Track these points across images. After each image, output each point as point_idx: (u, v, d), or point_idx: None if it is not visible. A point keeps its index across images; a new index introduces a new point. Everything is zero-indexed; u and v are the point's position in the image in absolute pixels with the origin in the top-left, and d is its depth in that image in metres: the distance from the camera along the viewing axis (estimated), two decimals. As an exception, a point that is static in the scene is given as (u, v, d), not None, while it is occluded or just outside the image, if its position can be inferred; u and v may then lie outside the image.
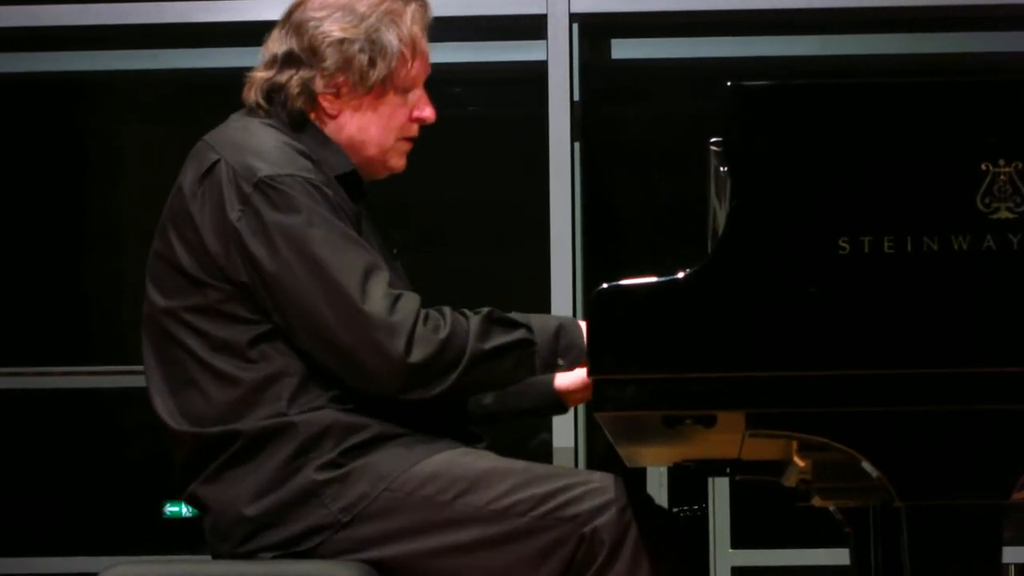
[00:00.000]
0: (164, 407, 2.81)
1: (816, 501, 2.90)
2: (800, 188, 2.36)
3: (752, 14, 5.18)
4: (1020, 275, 2.33)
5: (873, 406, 2.32)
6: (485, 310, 2.76)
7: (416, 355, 2.67)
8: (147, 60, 5.54)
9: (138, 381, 5.30)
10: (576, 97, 5.14)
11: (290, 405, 2.72)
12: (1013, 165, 2.34)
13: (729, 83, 2.39)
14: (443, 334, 2.68)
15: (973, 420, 2.32)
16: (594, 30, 5.36)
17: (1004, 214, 2.33)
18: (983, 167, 2.34)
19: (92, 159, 5.87)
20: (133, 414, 5.82)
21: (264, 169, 2.74)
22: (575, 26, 5.18)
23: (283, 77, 2.88)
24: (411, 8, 2.92)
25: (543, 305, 4.94)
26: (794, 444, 2.53)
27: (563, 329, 2.78)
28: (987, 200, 2.33)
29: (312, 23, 2.87)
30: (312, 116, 2.90)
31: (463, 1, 4.99)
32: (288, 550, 2.72)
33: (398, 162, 2.98)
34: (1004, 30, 5.33)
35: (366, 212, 2.92)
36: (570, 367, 2.81)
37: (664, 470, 4.49)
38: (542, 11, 5.05)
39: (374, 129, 2.92)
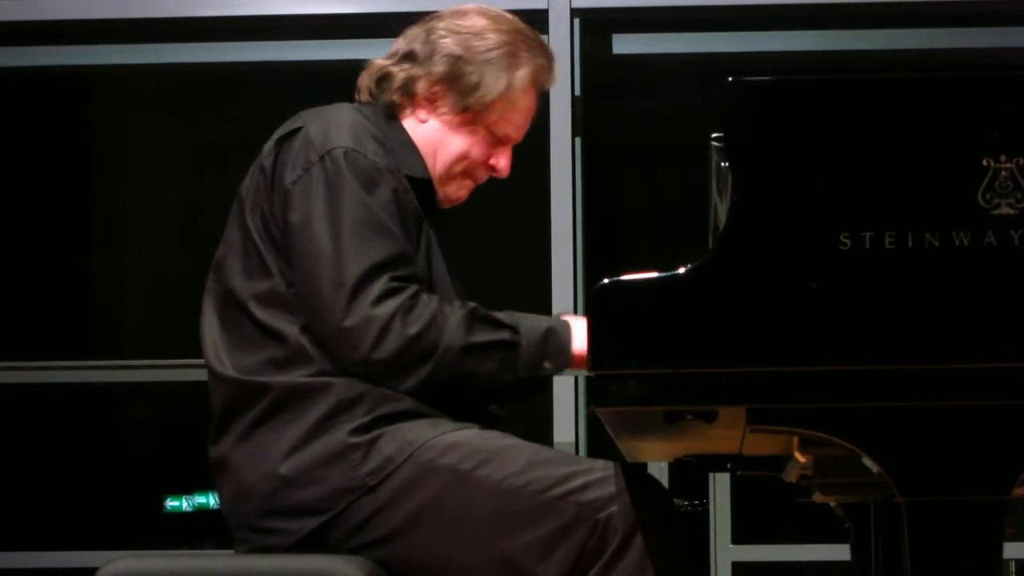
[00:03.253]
0: (214, 353, 2.87)
1: (817, 497, 2.90)
2: (801, 183, 2.36)
3: (753, 9, 5.18)
4: (1021, 271, 2.33)
5: (874, 402, 2.32)
6: (470, 306, 2.79)
7: (382, 351, 2.72)
8: (149, 54, 5.54)
9: (139, 376, 5.35)
10: (577, 92, 5.14)
11: (328, 368, 2.77)
12: (1014, 161, 2.34)
13: (730, 78, 2.39)
14: (414, 330, 2.72)
15: (974, 416, 2.32)
16: (595, 25, 5.36)
17: (1005, 210, 2.33)
18: (984, 163, 2.34)
19: (94, 154, 5.88)
20: (134, 409, 5.83)
21: (336, 143, 2.83)
22: (576, 21, 5.18)
23: (395, 69, 2.99)
24: (534, 63, 3.01)
25: (544, 300, 4.94)
26: (795, 440, 2.53)
27: (551, 332, 2.81)
28: (988, 196, 2.33)
29: (440, 34, 2.99)
30: (403, 115, 2.99)
31: (465, -4, 4.99)
32: (313, 514, 2.74)
33: (456, 193, 3.04)
34: (1005, 25, 5.34)
35: (432, 230, 2.96)
36: (556, 371, 2.84)
37: (665, 465, 4.50)
38: (543, 6, 5.06)
39: (449, 149, 2.99)
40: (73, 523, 5.58)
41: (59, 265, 5.74)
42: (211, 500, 5.56)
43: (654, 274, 2.35)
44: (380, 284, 2.74)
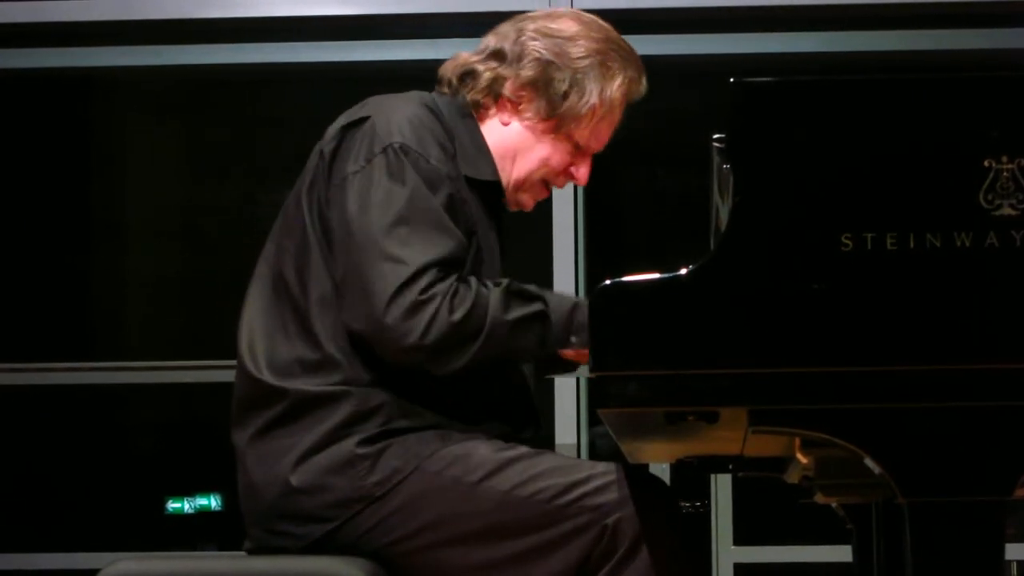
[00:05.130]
0: (248, 344, 2.85)
1: (819, 498, 2.90)
2: (803, 185, 2.36)
3: (754, 10, 5.18)
4: (1022, 272, 2.33)
5: (876, 403, 2.32)
6: (504, 282, 2.77)
7: (430, 336, 2.68)
8: (150, 56, 5.55)
9: (141, 377, 5.35)
10: (579, 93, 5.13)
11: (349, 375, 2.76)
12: (1016, 162, 2.34)
13: (732, 79, 2.39)
14: (459, 314, 2.69)
15: (976, 417, 2.32)
16: (597, 26, 5.35)
17: (1007, 211, 2.33)
18: (986, 164, 2.34)
19: (95, 155, 5.88)
20: (136, 410, 5.83)
21: (400, 138, 2.79)
22: (578, 22, 5.17)
23: (481, 66, 2.94)
24: (625, 75, 2.95)
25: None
26: (796, 441, 2.53)
27: (577, 308, 2.78)
28: (990, 197, 2.33)
29: (530, 35, 2.93)
30: (486, 114, 2.95)
31: (465, -3, 4.99)
32: (321, 521, 2.74)
33: (529, 201, 3.02)
34: (1007, 26, 5.34)
35: (495, 230, 2.93)
36: (581, 346, 2.80)
37: (667, 467, 4.50)
38: (544, 7, 5.05)
39: (531, 156, 2.95)
40: (74, 524, 5.58)
41: (60, 267, 5.74)
42: (212, 502, 5.56)
43: (655, 275, 2.35)
44: (429, 276, 2.70)
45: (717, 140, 2.76)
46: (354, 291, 2.74)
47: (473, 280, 2.75)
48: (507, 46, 2.93)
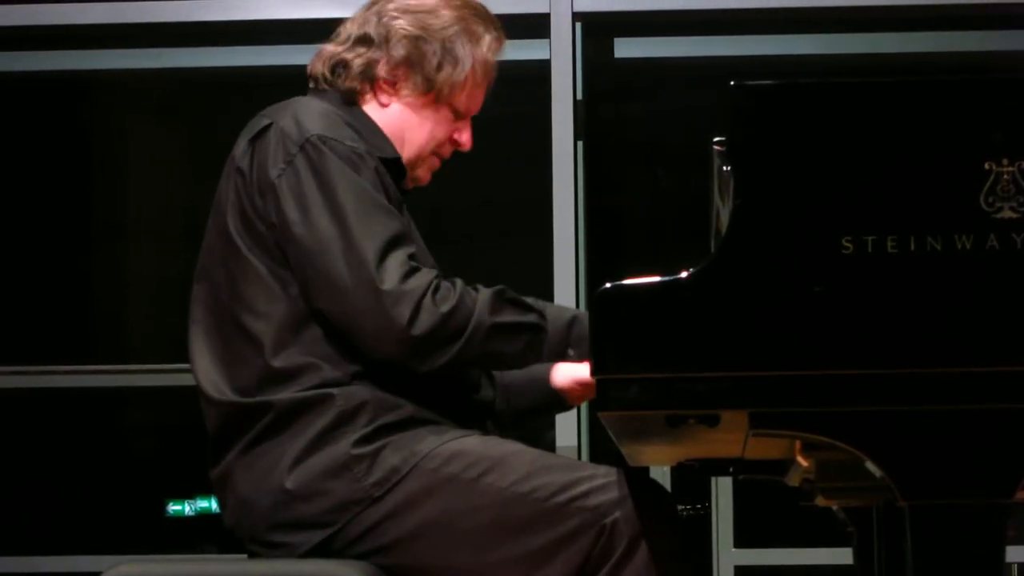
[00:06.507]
0: (207, 378, 2.85)
1: (819, 500, 2.89)
2: (803, 187, 2.36)
3: (755, 13, 5.18)
4: (1023, 274, 2.33)
5: (877, 406, 2.32)
6: (498, 287, 2.79)
7: (419, 327, 2.70)
8: (150, 59, 5.55)
9: (141, 380, 5.35)
10: (579, 96, 5.14)
11: (328, 377, 2.76)
12: (1016, 164, 2.33)
13: (732, 82, 2.39)
14: (446, 307, 2.71)
15: (976, 420, 2.32)
16: (597, 29, 5.36)
17: (1007, 213, 2.33)
18: (986, 166, 2.34)
19: (95, 158, 5.88)
20: (136, 413, 5.83)
21: (311, 131, 2.81)
22: (578, 25, 5.18)
23: (350, 55, 2.97)
24: (490, 36, 3.00)
25: (546, 304, 4.93)
26: (797, 444, 2.53)
27: (576, 320, 2.82)
28: (990, 199, 2.33)
29: (392, 15, 2.97)
30: (364, 100, 2.97)
31: None
32: (320, 527, 2.73)
33: (425, 174, 3.04)
34: (1007, 28, 5.34)
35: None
36: (579, 359, 2.82)
37: (667, 469, 4.50)
38: (545, 10, 5.06)
39: (418, 132, 2.98)
40: (75, 527, 5.58)
41: (61, 269, 5.74)
42: (213, 504, 5.55)
43: (656, 278, 2.35)
44: (398, 261, 2.72)
45: (717, 143, 2.76)
46: (324, 294, 2.74)
47: (459, 281, 2.77)
48: (371, 29, 2.97)
